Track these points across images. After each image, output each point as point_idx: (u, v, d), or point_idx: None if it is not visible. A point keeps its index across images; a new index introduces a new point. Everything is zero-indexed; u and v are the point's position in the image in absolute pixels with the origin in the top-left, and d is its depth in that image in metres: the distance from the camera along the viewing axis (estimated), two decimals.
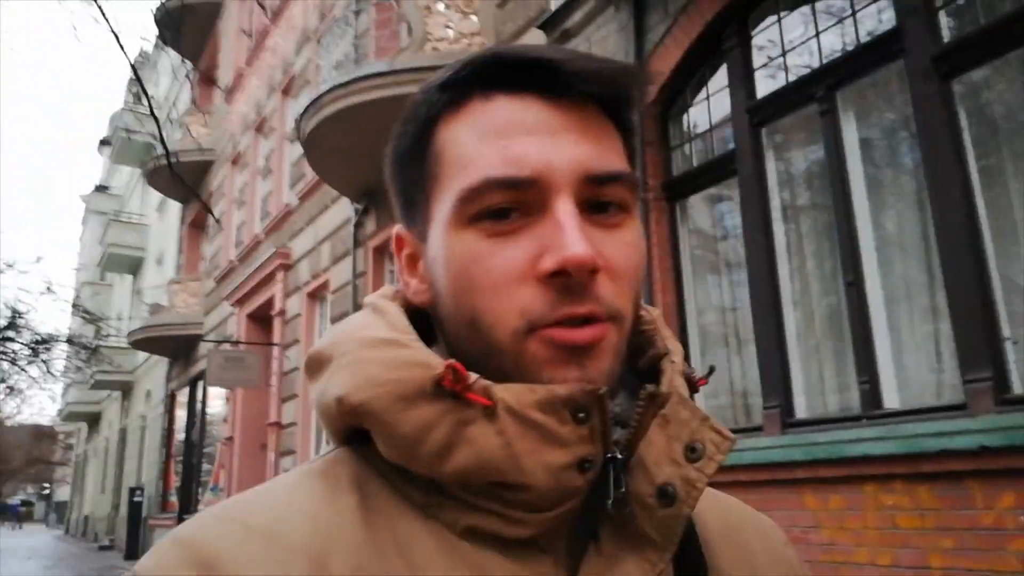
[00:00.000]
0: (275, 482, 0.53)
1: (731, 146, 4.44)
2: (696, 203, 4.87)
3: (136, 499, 17.84)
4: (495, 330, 0.49)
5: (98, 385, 23.79)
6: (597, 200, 0.51)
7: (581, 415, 0.48)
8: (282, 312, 10.82)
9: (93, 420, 31.09)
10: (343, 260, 9.00)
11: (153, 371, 19.53)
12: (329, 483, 0.51)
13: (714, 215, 4.83)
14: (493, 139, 0.50)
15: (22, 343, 16.08)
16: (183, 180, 8.83)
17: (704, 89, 4.75)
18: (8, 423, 42.65)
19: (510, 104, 0.51)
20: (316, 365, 0.55)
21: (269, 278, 11.27)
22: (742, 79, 4.39)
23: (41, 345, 16.08)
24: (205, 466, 14.36)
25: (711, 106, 4.69)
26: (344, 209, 9.02)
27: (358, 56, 7.23)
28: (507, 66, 0.52)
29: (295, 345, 10.29)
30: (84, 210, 34.68)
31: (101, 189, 32.55)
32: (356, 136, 7.03)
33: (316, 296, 10.01)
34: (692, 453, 0.51)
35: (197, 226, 17.45)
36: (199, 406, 15.04)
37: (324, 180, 8.49)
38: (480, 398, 0.47)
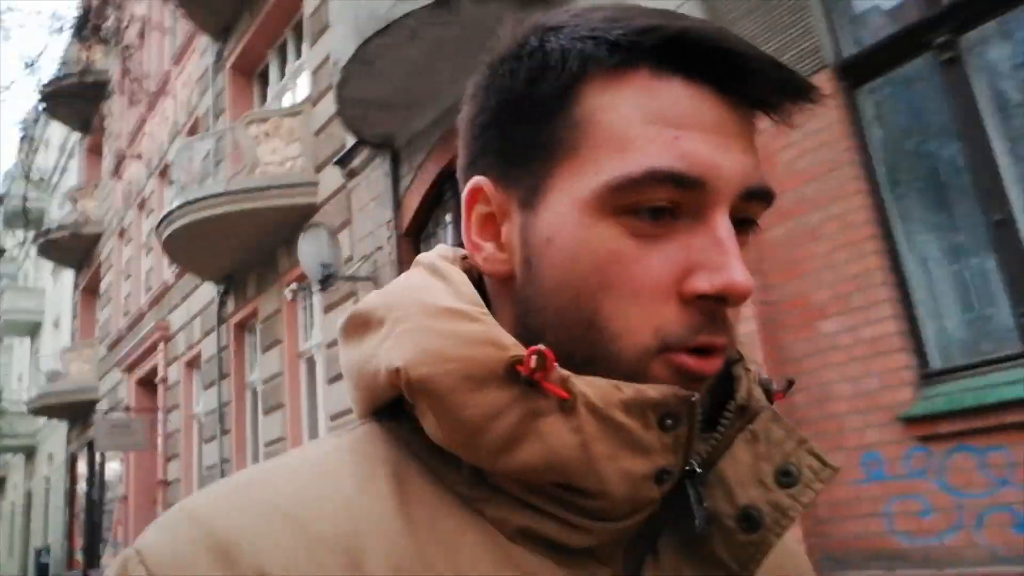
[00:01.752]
0: (297, 457, 0.47)
1: None
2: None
3: (43, 560, 18.42)
4: (620, 340, 0.45)
5: (1, 450, 24.04)
6: (742, 216, 0.47)
7: (668, 422, 0.44)
8: (164, 379, 12.04)
9: None
10: (210, 335, 10.34)
11: (54, 434, 20.14)
12: (362, 464, 0.46)
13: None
14: (663, 126, 0.44)
15: None
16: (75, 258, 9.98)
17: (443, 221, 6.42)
18: None
19: (687, 92, 0.45)
20: (361, 325, 0.50)
21: (152, 348, 12.46)
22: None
23: None
24: (106, 523, 15.26)
25: (447, 236, 6.35)
26: (210, 290, 10.38)
27: (207, 171, 8.67)
28: (695, 48, 0.45)
29: (175, 410, 11.53)
30: None
31: None
32: (206, 238, 8.48)
33: (193, 365, 11.28)
34: (785, 477, 0.47)
35: (91, 291, 18.30)
36: (97, 467, 15.92)
37: (186, 270, 9.89)
38: (557, 389, 0.42)
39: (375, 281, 6.50)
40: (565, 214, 0.46)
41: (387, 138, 6.46)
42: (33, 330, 24.96)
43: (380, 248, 6.55)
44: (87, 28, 12.21)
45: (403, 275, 0.52)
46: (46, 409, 16.90)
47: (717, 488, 0.47)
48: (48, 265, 22.83)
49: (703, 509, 0.46)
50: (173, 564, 0.39)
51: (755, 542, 0.46)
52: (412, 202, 6.31)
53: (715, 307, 0.44)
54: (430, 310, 0.46)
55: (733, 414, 0.48)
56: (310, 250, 6.32)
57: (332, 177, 7.47)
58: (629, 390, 0.43)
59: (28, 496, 24.08)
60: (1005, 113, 3.25)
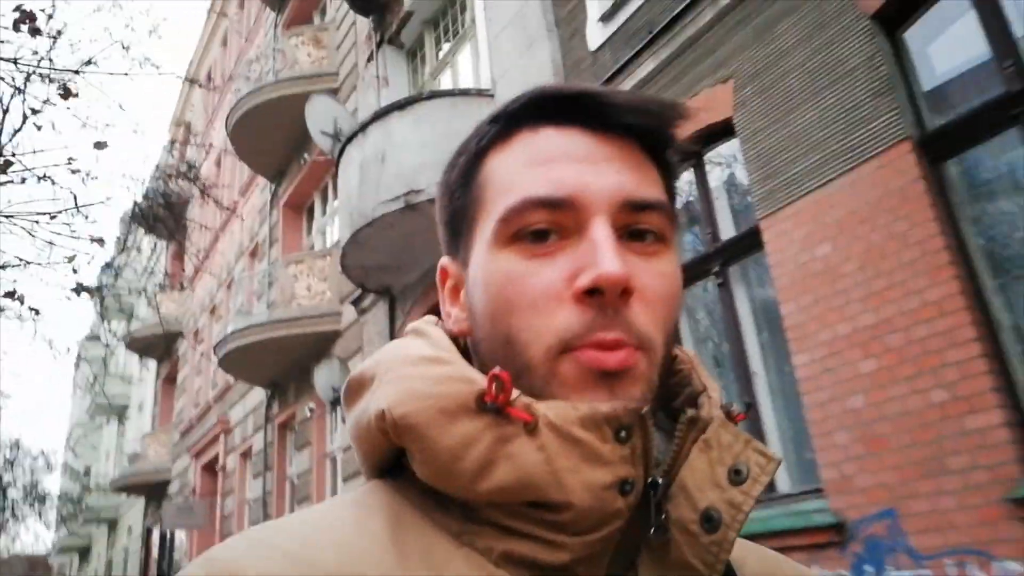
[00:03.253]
0: (308, 511, 0.52)
1: None
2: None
3: None
4: (530, 348, 0.50)
5: (87, 521, 26.45)
6: (635, 227, 0.53)
7: (623, 434, 0.48)
8: (223, 467, 13.88)
9: (84, 552, 33.37)
10: (259, 432, 12.15)
11: (133, 508, 22.30)
12: (361, 511, 0.51)
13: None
14: (537, 165, 0.53)
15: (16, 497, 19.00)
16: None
17: None
18: (4, 555, 44.50)
19: (556, 135, 0.54)
20: (356, 388, 0.56)
21: (215, 438, 14.38)
22: None
23: (36, 500, 18.99)
24: None
25: None
26: (260, 393, 12.23)
27: (249, 304, 10.63)
28: (554, 100, 0.55)
29: (231, 494, 13.30)
30: (77, 355, 37.83)
31: (93, 338, 35.87)
32: (253, 355, 10.35)
33: (246, 456, 13.09)
34: (736, 476, 0.50)
35: (170, 382, 20.60)
36: (168, 541, 17.83)
37: (239, 379, 11.77)
38: (521, 413, 0.47)
39: None
40: (481, 256, 0.54)
41: (385, 288, 8.19)
42: (121, 413, 27.62)
43: None
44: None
45: (393, 341, 0.58)
46: (127, 487, 19.03)
47: (680, 496, 0.50)
48: (136, 355, 25.54)
49: (659, 518, 0.49)
50: None
51: (717, 541, 0.49)
52: None
53: (602, 300, 0.49)
54: (410, 359, 0.52)
55: (685, 425, 0.52)
56: (322, 378, 8.04)
57: (351, 310, 9.24)
58: (584, 407, 0.47)
59: (109, 565, 26.27)
60: None
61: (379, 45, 9.47)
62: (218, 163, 17.28)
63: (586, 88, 0.55)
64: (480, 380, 0.49)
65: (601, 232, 0.50)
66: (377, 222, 6.80)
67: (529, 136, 0.55)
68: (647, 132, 0.55)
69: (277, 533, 0.48)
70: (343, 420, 9.05)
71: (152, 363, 22.31)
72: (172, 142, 24.30)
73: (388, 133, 6.93)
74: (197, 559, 0.47)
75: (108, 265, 26.90)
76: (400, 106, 7.03)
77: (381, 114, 7.11)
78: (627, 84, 5.25)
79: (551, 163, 0.53)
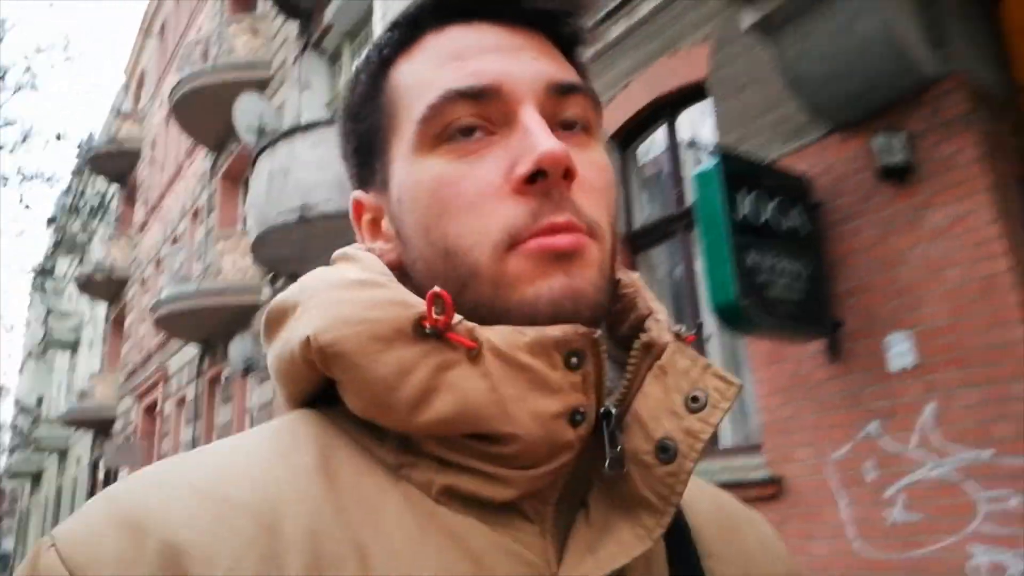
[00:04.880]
0: (223, 442, 0.48)
1: None
2: None
3: None
4: (473, 251, 0.47)
5: (39, 449, 27.76)
6: (562, 117, 0.50)
7: (574, 360, 0.45)
8: (161, 411, 15.24)
9: (36, 478, 34.73)
10: (192, 383, 13.50)
11: (83, 440, 23.61)
12: (284, 441, 0.46)
13: None
14: (451, 60, 0.50)
15: None
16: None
17: None
18: None
19: (464, 31, 0.51)
20: (278, 317, 0.51)
21: (155, 385, 15.70)
22: None
23: None
24: None
25: None
26: (194, 348, 13.54)
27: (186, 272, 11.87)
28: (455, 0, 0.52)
29: (167, 436, 14.71)
30: (31, 285, 38.49)
31: (47, 272, 36.52)
32: (185, 319, 11.64)
33: (181, 403, 14.44)
34: (694, 403, 0.48)
35: (119, 324, 21.71)
36: (112, 474, 19.23)
37: (173, 337, 13.07)
38: (463, 339, 0.44)
39: None
40: (402, 171, 0.50)
41: (293, 274, 9.45)
42: (73, 346, 28.66)
43: None
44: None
45: (319, 268, 0.53)
46: (75, 422, 20.33)
47: (634, 426, 0.47)
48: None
49: (614, 450, 0.46)
50: (81, 543, 0.39)
51: (673, 472, 0.46)
52: None
53: (545, 185, 0.46)
54: (338, 283, 0.47)
55: (639, 351, 0.49)
56: (236, 349, 9.38)
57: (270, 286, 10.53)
58: (531, 332, 0.44)
59: (59, 491, 27.70)
60: None
61: (303, 49, 10.56)
62: (167, 121, 18.12)
63: None
64: (418, 304, 0.45)
65: (532, 118, 0.48)
66: (278, 228, 8.08)
67: (435, 37, 0.52)
68: (553, 20, 0.54)
69: (187, 467, 0.44)
70: (259, 382, 10.45)
71: (102, 304, 23.37)
72: (126, 85, 24.92)
73: (292, 151, 8.15)
74: (98, 497, 0.43)
75: (65, 193, 27.55)
76: (304, 128, 8.25)
77: (288, 133, 8.32)
78: None
79: (466, 57, 0.50)
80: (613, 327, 0.55)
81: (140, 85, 22.78)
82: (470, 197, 0.48)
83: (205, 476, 0.43)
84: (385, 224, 0.54)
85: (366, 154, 0.55)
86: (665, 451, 0.47)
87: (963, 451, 3.29)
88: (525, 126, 0.48)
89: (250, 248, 8.82)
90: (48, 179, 20.82)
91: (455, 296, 0.46)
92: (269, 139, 8.43)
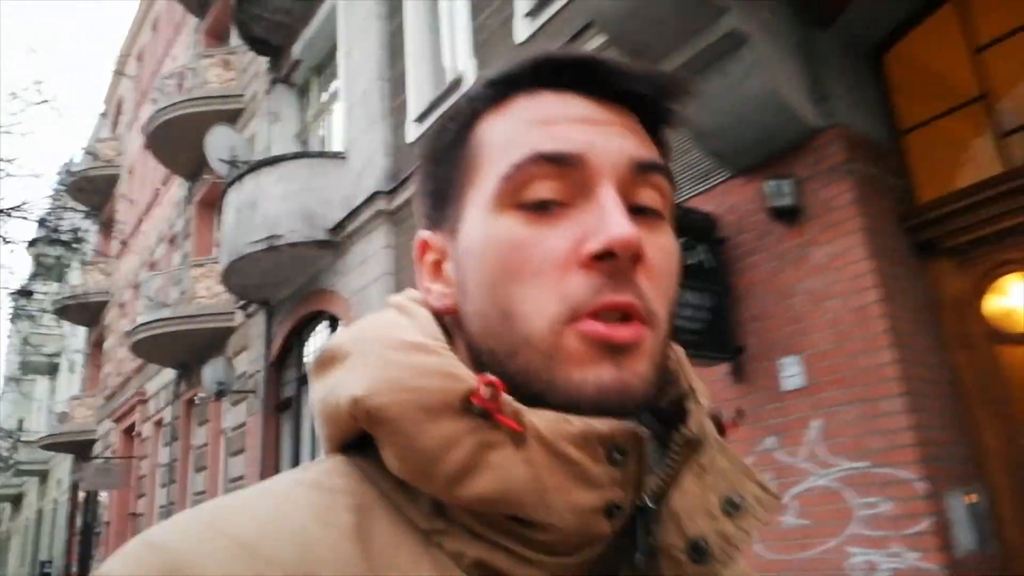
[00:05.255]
0: (260, 492, 0.48)
1: None
2: None
3: (46, 570, 21.83)
4: (531, 320, 0.47)
5: (19, 473, 27.71)
6: (638, 202, 0.51)
7: (617, 456, 0.45)
8: (139, 433, 15.45)
9: (16, 501, 34.56)
10: (169, 405, 13.74)
11: (63, 462, 23.67)
12: (323, 497, 0.46)
13: None
14: (539, 125, 0.51)
15: None
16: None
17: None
18: None
19: (556, 99, 0.52)
20: (329, 360, 0.52)
21: (133, 407, 15.91)
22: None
23: None
24: (96, 544, 18.64)
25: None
26: (171, 371, 13.81)
27: (159, 298, 12.17)
28: (553, 65, 0.53)
29: (145, 459, 14.92)
30: (12, 307, 38.41)
31: (26, 294, 36.49)
32: (161, 343, 11.93)
33: (159, 425, 14.67)
34: (731, 507, 0.49)
35: (98, 347, 21.87)
36: (91, 496, 19.35)
37: (150, 362, 13.34)
38: (510, 422, 0.44)
39: (255, 393, 9.82)
40: (475, 223, 0.51)
41: (264, 300, 9.83)
42: (52, 370, 28.70)
43: (258, 371, 9.90)
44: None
45: (373, 314, 0.54)
46: (55, 445, 20.43)
47: (668, 521, 0.48)
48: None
49: (646, 544, 0.47)
50: None
51: (703, 573, 0.47)
52: (277, 343, 9.67)
53: (612, 266, 0.46)
54: (392, 343, 0.48)
55: (682, 447, 0.49)
56: (209, 373, 9.68)
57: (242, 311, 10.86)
58: (578, 423, 0.45)
59: (39, 514, 27.66)
60: None
61: (273, 83, 10.95)
62: (146, 147, 18.39)
63: (587, 54, 0.53)
64: (468, 378, 0.45)
65: (609, 197, 0.48)
66: (247, 257, 8.43)
67: (525, 100, 0.53)
68: (645, 101, 0.54)
69: (231, 519, 0.44)
70: (233, 404, 10.74)
71: (81, 328, 23.51)
72: (103, 114, 25.19)
73: (259, 184, 8.53)
74: (139, 542, 0.43)
75: (41, 223, 27.69)
76: (270, 162, 8.63)
77: (255, 167, 8.70)
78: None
79: (554, 123, 0.51)
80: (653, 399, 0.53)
81: (119, 112, 23.07)
82: (538, 264, 0.48)
83: (249, 531, 0.43)
84: (448, 269, 0.55)
85: (441, 198, 0.56)
86: (698, 551, 0.47)
87: (843, 462, 3.70)
88: (601, 203, 0.48)
89: (221, 277, 9.16)
90: (24, 215, 20.96)
91: (505, 358, 0.48)
92: (239, 172, 8.79)
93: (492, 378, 0.45)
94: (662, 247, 0.51)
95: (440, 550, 0.45)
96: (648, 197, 0.52)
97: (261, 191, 8.46)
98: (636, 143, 0.52)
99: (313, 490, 0.47)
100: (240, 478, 10.08)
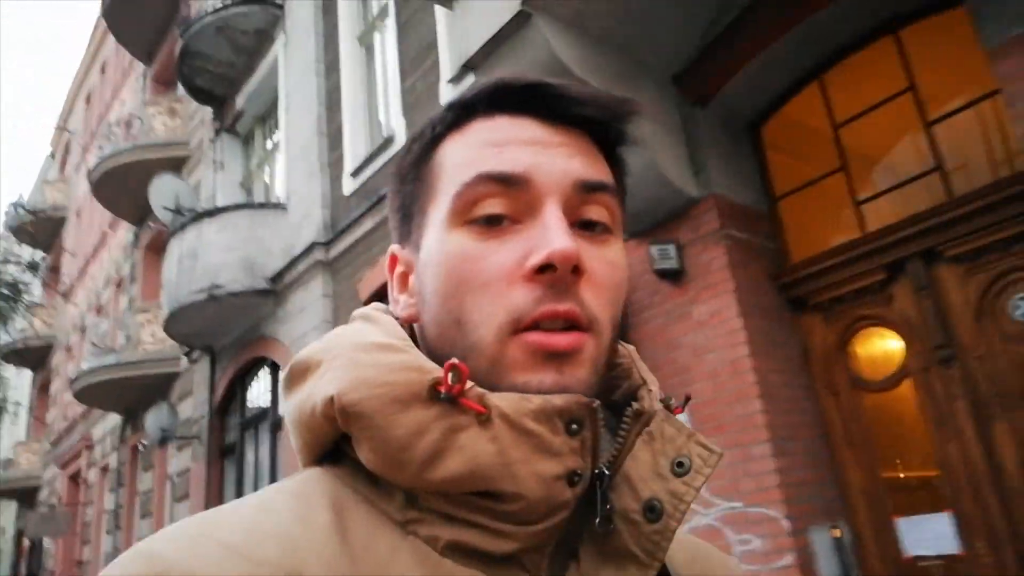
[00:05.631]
0: (242, 502, 0.51)
1: None
2: None
3: None
4: (480, 328, 0.51)
5: None
6: (585, 218, 0.54)
7: (574, 427, 0.49)
8: (85, 480, 15.31)
9: None
10: (115, 451, 13.69)
11: (8, 510, 23.14)
12: (301, 502, 0.49)
13: None
14: (491, 146, 0.54)
15: None
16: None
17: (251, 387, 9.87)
18: None
19: (510, 122, 0.56)
20: (301, 371, 0.55)
21: (78, 453, 15.77)
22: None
23: None
24: None
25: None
26: (116, 416, 13.77)
27: (107, 344, 12.21)
28: (510, 90, 0.56)
29: (91, 505, 14.78)
30: None
31: None
32: (106, 389, 11.96)
33: (105, 471, 14.57)
34: (679, 468, 0.53)
35: (45, 390, 21.57)
36: (37, 543, 18.97)
37: (94, 407, 13.32)
38: (475, 404, 0.48)
39: (199, 439, 9.93)
40: (434, 237, 0.55)
41: (207, 346, 9.99)
42: None
43: (203, 416, 10.02)
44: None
45: (341, 327, 0.58)
46: None
47: (624, 486, 0.52)
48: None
49: (604, 509, 0.51)
50: None
51: (659, 530, 0.51)
52: (220, 389, 9.82)
53: (553, 277, 0.50)
54: (360, 346, 0.52)
55: (631, 418, 0.55)
56: (152, 420, 9.79)
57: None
58: (537, 400, 0.49)
59: None
60: None
61: (217, 132, 11.20)
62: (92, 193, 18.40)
63: (540, 80, 0.56)
64: (433, 369, 0.49)
65: (552, 215, 0.52)
66: (188, 307, 8.63)
67: (482, 123, 0.56)
68: (598, 124, 0.57)
69: (215, 526, 0.47)
70: (179, 449, 10.81)
71: (27, 371, 23.15)
72: (53, 154, 25.07)
73: (200, 235, 8.75)
74: (131, 555, 0.45)
75: None
76: (210, 213, 8.87)
77: (197, 217, 8.93)
78: (355, 234, 7.26)
79: (505, 145, 0.54)
80: (607, 393, 0.59)
81: (67, 152, 23.01)
82: (486, 277, 0.51)
83: (235, 536, 0.45)
84: (412, 280, 0.59)
85: (406, 214, 0.60)
86: (652, 511, 0.51)
87: (722, 502, 4.06)
88: (544, 221, 0.52)
89: (163, 325, 9.32)
90: None
91: (451, 357, 0.50)
92: (183, 220, 9.01)
93: (456, 361, 0.48)
94: (608, 260, 0.55)
95: (416, 537, 0.49)
96: (595, 213, 0.55)
97: (202, 241, 8.68)
98: (583, 164, 0.55)
99: (292, 497, 0.50)
100: None
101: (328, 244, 7.83)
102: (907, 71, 4.12)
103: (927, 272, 3.87)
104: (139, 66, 15.72)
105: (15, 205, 23.10)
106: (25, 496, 19.90)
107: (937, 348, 3.77)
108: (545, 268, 0.50)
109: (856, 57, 4.36)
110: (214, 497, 9.56)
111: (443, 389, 0.48)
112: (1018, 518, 3.40)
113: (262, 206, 8.93)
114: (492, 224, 0.53)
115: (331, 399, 0.49)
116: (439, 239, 0.54)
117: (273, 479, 8.45)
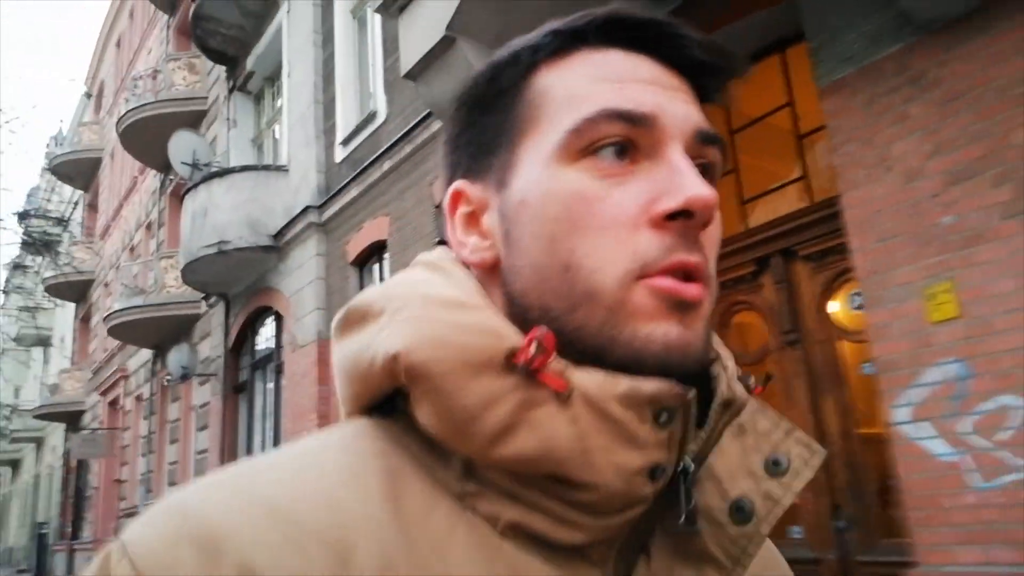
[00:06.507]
0: (282, 453, 0.47)
1: None
2: None
3: (43, 531, 23.27)
4: (598, 274, 0.46)
5: (15, 440, 29.18)
6: (701, 162, 0.50)
7: (663, 417, 0.45)
8: (122, 407, 16.72)
9: (15, 465, 36.11)
10: (148, 382, 14.98)
11: (58, 430, 25.04)
12: (352, 460, 0.45)
13: None
14: (609, 82, 0.49)
15: None
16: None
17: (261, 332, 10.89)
18: None
19: (625, 58, 0.50)
20: (358, 318, 0.50)
21: (116, 382, 17.16)
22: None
23: None
24: (87, 507, 20.05)
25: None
26: (148, 351, 15.01)
27: (136, 285, 13.33)
28: (625, 24, 0.51)
29: (128, 430, 16.21)
30: (5, 279, 39.50)
31: (21, 268, 37.49)
32: (135, 328, 13.12)
33: (140, 399, 15.92)
34: (775, 467, 0.48)
35: (86, 322, 23.06)
36: (83, 461, 20.72)
37: (127, 343, 14.54)
38: (555, 380, 0.43)
39: (217, 376, 11.02)
40: (534, 174, 0.49)
41: (222, 292, 10.98)
42: (45, 342, 29.95)
43: (219, 356, 11.10)
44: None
45: (401, 272, 0.53)
46: (47, 415, 21.77)
47: (708, 483, 0.48)
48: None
49: (689, 507, 0.46)
50: (157, 556, 0.39)
51: (747, 534, 0.47)
52: (234, 331, 10.85)
53: (685, 225, 0.46)
54: (431, 300, 0.47)
55: (718, 409, 0.49)
56: (173, 358, 10.88)
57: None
58: (626, 383, 0.44)
59: (36, 479, 29.17)
60: None
61: (230, 91, 11.95)
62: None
63: (659, 17, 0.51)
64: (511, 336, 0.45)
65: (682, 158, 0.47)
66: (200, 260, 9.57)
67: (592, 55, 0.51)
68: (713, 72, 0.53)
69: (259, 479, 0.43)
70: (199, 383, 11.95)
71: (70, 305, 24.68)
72: (88, 95, 26.03)
73: (210, 194, 9.62)
74: (164, 510, 0.42)
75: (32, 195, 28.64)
76: (219, 174, 9.72)
77: (207, 178, 9.79)
78: (343, 200, 8.05)
79: (625, 82, 0.49)
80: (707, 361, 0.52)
81: (100, 94, 23.95)
82: (606, 220, 0.46)
83: (279, 495, 0.42)
84: (488, 221, 0.52)
85: (485, 147, 0.53)
86: (740, 511, 0.47)
87: None
88: (675, 164, 0.47)
89: (180, 274, 10.31)
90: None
91: (562, 313, 0.46)
92: (201, 174, 9.90)
93: (543, 331, 0.44)
94: (717, 216, 0.50)
95: (474, 513, 0.45)
96: (712, 157, 0.51)
97: (212, 201, 9.56)
98: (699, 112, 0.51)
99: (342, 453, 0.46)
100: (205, 451, 11.33)
101: (321, 207, 8.64)
102: (788, 88, 4.72)
103: (785, 268, 4.56)
104: (162, 16, 16.41)
105: (54, 138, 24.27)
106: (71, 419, 21.58)
107: (787, 332, 4.48)
108: (679, 215, 0.46)
109: (754, 70, 4.94)
110: (228, 429, 10.70)
111: (521, 359, 0.44)
112: (832, 473, 4.17)
113: (266, 168, 9.75)
114: (615, 156, 0.48)
115: (395, 356, 0.45)
116: (545, 176, 0.49)
117: (277, 416, 9.51)
